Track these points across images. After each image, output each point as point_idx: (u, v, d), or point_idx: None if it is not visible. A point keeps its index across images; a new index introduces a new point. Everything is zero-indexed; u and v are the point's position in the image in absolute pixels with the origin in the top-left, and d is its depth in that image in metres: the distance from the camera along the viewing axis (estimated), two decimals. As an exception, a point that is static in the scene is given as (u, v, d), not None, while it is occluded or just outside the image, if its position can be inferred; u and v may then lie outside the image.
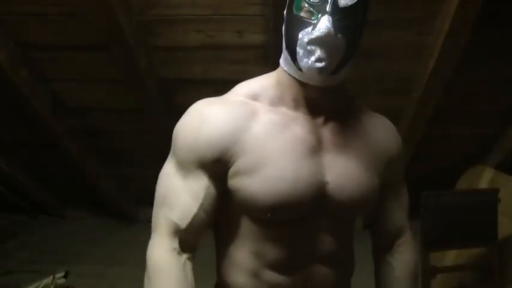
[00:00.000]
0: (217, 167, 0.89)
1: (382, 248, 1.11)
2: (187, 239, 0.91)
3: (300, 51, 0.85)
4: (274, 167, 0.87)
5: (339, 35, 0.82)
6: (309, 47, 0.83)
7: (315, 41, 0.82)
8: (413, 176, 2.60)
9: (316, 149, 0.91)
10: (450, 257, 2.35)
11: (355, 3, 0.84)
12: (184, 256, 0.91)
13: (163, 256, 0.89)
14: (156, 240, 0.91)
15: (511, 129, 2.45)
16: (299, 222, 0.91)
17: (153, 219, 0.93)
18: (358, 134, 0.97)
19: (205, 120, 0.89)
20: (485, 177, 2.48)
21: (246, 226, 0.93)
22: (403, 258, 1.08)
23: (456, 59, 1.98)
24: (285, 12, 0.90)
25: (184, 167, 0.90)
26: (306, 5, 0.83)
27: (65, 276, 2.11)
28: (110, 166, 2.79)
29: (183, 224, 0.89)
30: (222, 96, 0.95)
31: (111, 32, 1.93)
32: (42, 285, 2.06)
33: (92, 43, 2.07)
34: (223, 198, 0.92)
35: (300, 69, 0.86)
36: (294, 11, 0.85)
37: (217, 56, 2.09)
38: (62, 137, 2.52)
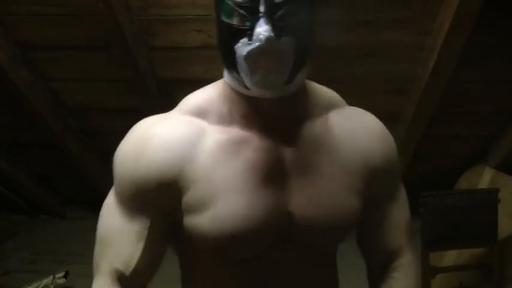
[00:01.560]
0: (161, 202, 0.77)
1: (375, 274, 0.96)
2: (135, 283, 0.81)
3: (240, 66, 0.69)
4: (225, 202, 0.74)
5: (283, 38, 0.66)
6: (250, 61, 0.67)
7: (256, 53, 0.66)
8: (413, 176, 2.62)
9: (275, 174, 0.76)
10: (450, 257, 2.35)
11: None
12: None
13: None
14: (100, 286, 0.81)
15: (510, 129, 2.44)
16: (262, 257, 0.79)
17: (95, 257, 0.84)
18: (329, 147, 0.80)
19: (144, 149, 0.76)
20: (485, 177, 2.48)
21: (206, 263, 0.83)
22: (397, 285, 0.91)
23: (456, 59, 1.98)
24: (213, 19, 0.74)
25: (124, 202, 0.79)
26: (236, 8, 0.67)
27: (65, 276, 2.11)
28: (109, 166, 2.78)
29: (128, 271, 0.79)
30: (167, 115, 0.82)
31: (111, 32, 1.93)
32: (42, 285, 2.06)
33: (92, 43, 2.07)
34: (178, 229, 0.80)
35: (246, 86, 0.73)
36: (223, 18, 0.69)
37: (217, 56, 2.07)
38: (62, 137, 2.52)
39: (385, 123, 0.90)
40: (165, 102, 2.30)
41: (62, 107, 2.42)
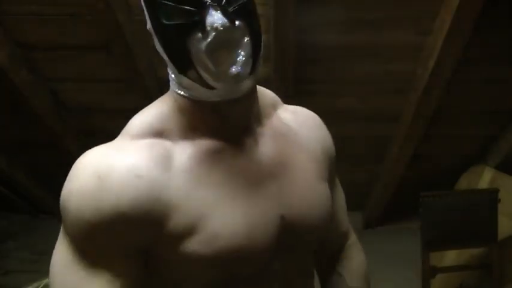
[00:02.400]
0: (137, 242, 0.66)
1: (328, 260, 0.95)
2: None
3: (201, 64, 0.63)
4: (219, 217, 0.67)
5: (237, 22, 0.63)
6: (211, 55, 0.62)
7: (216, 44, 0.61)
8: (413, 176, 2.62)
9: (258, 178, 0.72)
10: (450, 257, 2.35)
11: None
12: None
13: None
14: None
15: (510, 129, 2.45)
16: (263, 269, 0.73)
17: None
18: (294, 140, 0.79)
19: (105, 184, 0.63)
20: (485, 177, 2.48)
21: None
22: (353, 264, 0.93)
23: (456, 59, 1.98)
24: (149, 28, 0.70)
25: (87, 254, 0.64)
26: (177, 5, 0.62)
27: (65, 276, 2.11)
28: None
29: None
30: (118, 142, 0.71)
31: (111, 32, 1.93)
32: (42, 285, 2.06)
33: (92, 43, 2.07)
34: (158, 265, 0.70)
35: (211, 87, 0.65)
36: (165, 21, 0.64)
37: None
38: (62, 137, 2.52)
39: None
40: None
41: (62, 107, 2.41)
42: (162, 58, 0.71)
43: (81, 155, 0.71)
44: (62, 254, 0.67)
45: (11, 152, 2.77)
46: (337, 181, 0.94)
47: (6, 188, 2.99)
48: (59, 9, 1.94)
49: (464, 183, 2.62)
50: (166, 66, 0.73)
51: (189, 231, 0.66)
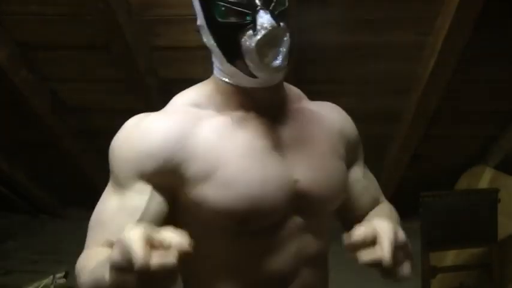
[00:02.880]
0: (161, 179, 0.77)
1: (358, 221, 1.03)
2: None
3: (250, 56, 0.75)
4: (236, 167, 0.78)
5: (281, 24, 0.75)
6: (259, 51, 0.74)
7: (264, 41, 0.74)
8: (413, 176, 2.62)
9: (277, 146, 0.83)
10: (450, 257, 2.35)
11: None
12: None
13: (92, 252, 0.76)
14: (83, 254, 0.77)
15: (510, 129, 2.45)
16: (277, 228, 0.82)
17: (86, 242, 0.80)
18: (314, 123, 0.91)
19: (142, 129, 0.79)
20: (485, 177, 2.48)
21: (220, 248, 0.82)
22: (375, 210, 1.02)
23: (456, 59, 1.98)
24: (202, 24, 0.81)
25: (120, 182, 0.78)
26: (233, 7, 0.75)
27: (65, 276, 2.11)
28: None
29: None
30: (160, 110, 0.86)
31: (111, 32, 1.93)
32: (42, 285, 2.06)
33: (92, 43, 2.07)
34: (180, 212, 0.81)
35: (254, 75, 0.78)
36: (219, 19, 0.76)
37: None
38: (62, 137, 2.52)
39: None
40: (165, 102, 2.30)
41: (62, 107, 2.42)
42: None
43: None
44: (105, 193, 0.81)
45: (11, 152, 2.77)
46: (364, 165, 1.03)
47: (6, 188, 2.99)
48: (59, 9, 1.94)
49: (464, 183, 2.62)
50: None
51: (206, 178, 0.77)
